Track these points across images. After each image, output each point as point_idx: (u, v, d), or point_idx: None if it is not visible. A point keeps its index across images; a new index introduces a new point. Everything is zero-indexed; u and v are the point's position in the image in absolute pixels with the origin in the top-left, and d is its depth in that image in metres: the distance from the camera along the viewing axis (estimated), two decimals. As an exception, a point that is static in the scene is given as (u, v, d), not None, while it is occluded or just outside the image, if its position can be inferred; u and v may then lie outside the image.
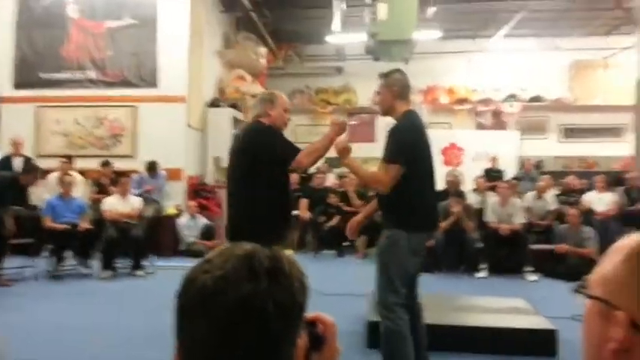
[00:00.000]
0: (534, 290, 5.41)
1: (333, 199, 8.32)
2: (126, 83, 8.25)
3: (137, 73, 8.24)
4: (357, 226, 3.08)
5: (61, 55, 8.34)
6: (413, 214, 2.66)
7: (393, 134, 2.71)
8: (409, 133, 2.71)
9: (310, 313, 0.75)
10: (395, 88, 2.81)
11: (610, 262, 0.64)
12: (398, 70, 2.91)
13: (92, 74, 8.32)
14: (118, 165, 7.68)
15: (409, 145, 2.67)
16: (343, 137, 3.03)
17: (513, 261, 6.43)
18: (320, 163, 11.63)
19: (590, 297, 0.64)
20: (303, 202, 8.45)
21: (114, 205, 6.39)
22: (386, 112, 2.87)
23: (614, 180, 8.77)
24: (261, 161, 2.85)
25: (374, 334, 3.55)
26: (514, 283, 5.96)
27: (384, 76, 2.88)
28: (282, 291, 0.66)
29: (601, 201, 7.45)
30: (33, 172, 5.94)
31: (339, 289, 4.68)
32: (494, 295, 4.72)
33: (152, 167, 7.58)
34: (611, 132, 11.30)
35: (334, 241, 8.03)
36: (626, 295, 0.61)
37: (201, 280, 0.65)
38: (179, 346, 0.67)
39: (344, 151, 2.82)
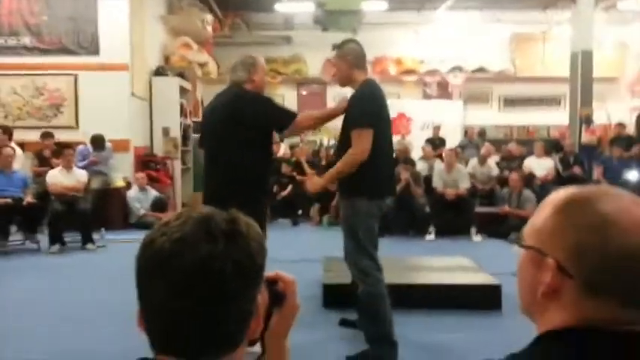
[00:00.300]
0: (479, 250, 5.71)
1: (285, 169, 8.35)
2: (64, 50, 7.84)
3: (76, 39, 7.84)
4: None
5: (-8, 19, 7.81)
6: (373, 181, 2.70)
7: (356, 102, 2.72)
8: (371, 101, 2.73)
9: (270, 272, 0.79)
10: (349, 57, 2.80)
11: (541, 215, 0.72)
12: (352, 40, 2.91)
13: (27, 40, 7.85)
14: (60, 136, 7.36)
15: (371, 113, 2.68)
16: (315, 182, 2.92)
17: (459, 223, 6.74)
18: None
19: (525, 247, 0.73)
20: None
21: (58, 178, 6.16)
22: (344, 83, 2.86)
23: (552, 146, 9.28)
24: (255, 130, 2.80)
25: (329, 296, 3.73)
26: (460, 244, 6.26)
27: (338, 46, 2.86)
28: (240, 252, 0.67)
29: (540, 166, 7.88)
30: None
31: (294, 256, 4.77)
32: (443, 256, 4.96)
33: (98, 142, 7.21)
34: (550, 102, 11.87)
35: (288, 210, 8.10)
36: (554, 243, 0.69)
37: (159, 242, 0.66)
38: (141, 308, 0.68)
39: (316, 186, 2.86)
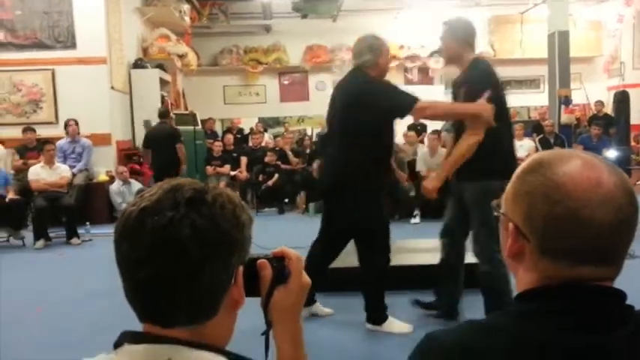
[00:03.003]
0: (463, 232, 5.79)
1: (270, 158, 8.36)
2: (40, 45, 7.70)
3: (51, 33, 7.71)
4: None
5: (-37, 15, 7.64)
6: (502, 160, 2.57)
7: (475, 81, 2.60)
8: (489, 77, 2.62)
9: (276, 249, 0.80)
10: (460, 34, 2.68)
11: (508, 184, 0.77)
12: (462, 18, 2.81)
13: (1, 36, 7.70)
14: (40, 132, 7.27)
15: (496, 91, 2.58)
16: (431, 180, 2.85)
17: (444, 206, 6.80)
18: (254, 123, 11.58)
19: (497, 213, 0.78)
20: (243, 161, 8.45)
21: (40, 174, 6.10)
22: (451, 62, 2.75)
23: (533, 128, 9.41)
24: (376, 115, 2.74)
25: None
26: (445, 227, 6.35)
27: (448, 23, 2.75)
28: (202, 218, 0.67)
29: (521, 147, 7.99)
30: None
31: (281, 244, 4.80)
32: (428, 238, 5.03)
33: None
34: (529, 83, 12.02)
35: (274, 199, 8.13)
36: (514, 209, 0.73)
37: (128, 211, 0.69)
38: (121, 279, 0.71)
39: (434, 183, 2.79)
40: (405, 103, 2.75)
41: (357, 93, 2.80)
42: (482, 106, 2.57)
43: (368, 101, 2.74)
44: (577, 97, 10.11)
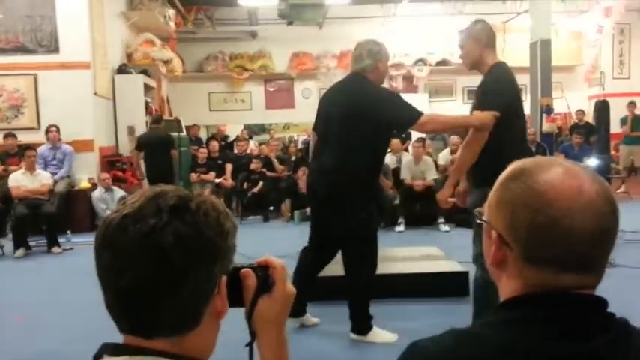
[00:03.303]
0: (447, 239, 5.83)
1: (255, 166, 8.34)
2: (22, 49, 7.60)
3: (34, 37, 7.61)
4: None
5: (-57, 18, 7.51)
6: (502, 170, 2.56)
7: (490, 87, 2.56)
8: (506, 84, 2.58)
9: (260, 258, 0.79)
10: (482, 38, 2.61)
11: (491, 192, 0.77)
12: (481, 20, 2.73)
13: (-19, 40, 7.59)
14: (21, 138, 7.16)
15: (507, 99, 2.55)
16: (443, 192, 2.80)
17: (428, 214, 6.86)
18: (240, 131, 11.55)
19: (480, 221, 0.78)
20: (228, 168, 8.40)
21: (21, 181, 6.00)
22: (473, 67, 2.68)
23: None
24: (376, 125, 2.72)
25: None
26: (429, 234, 6.39)
27: (468, 28, 2.69)
28: (185, 226, 0.66)
29: (503, 155, 8.07)
30: None
31: (266, 252, 4.77)
32: (412, 246, 5.05)
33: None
34: (511, 92, 12.16)
35: (259, 207, 8.09)
36: (497, 217, 0.74)
37: (110, 218, 0.68)
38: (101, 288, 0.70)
39: (445, 195, 2.76)
40: (410, 118, 2.75)
41: (362, 103, 2.78)
42: (482, 115, 2.54)
43: (374, 112, 2.73)
44: (558, 106, 10.26)
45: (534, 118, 9.63)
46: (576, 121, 10.34)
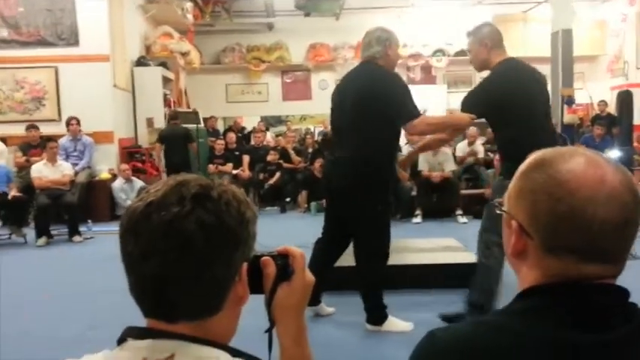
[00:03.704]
0: (465, 231, 5.78)
1: (272, 157, 8.36)
2: (43, 42, 7.72)
3: (54, 31, 7.72)
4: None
5: (-33, 13, 7.65)
6: (518, 161, 2.67)
7: (476, 87, 2.76)
8: (489, 88, 2.70)
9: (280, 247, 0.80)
10: (488, 41, 2.74)
11: (512, 182, 0.77)
12: (487, 24, 2.87)
13: (4, 33, 7.71)
14: (43, 130, 7.28)
15: (493, 95, 2.66)
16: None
17: (445, 206, 6.83)
18: (257, 122, 11.58)
19: (500, 211, 0.78)
20: (245, 160, 8.45)
21: (43, 171, 6.11)
22: (482, 68, 2.82)
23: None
24: (386, 112, 2.76)
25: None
26: (446, 225, 6.36)
27: (473, 32, 2.80)
28: (207, 213, 0.68)
29: (523, 147, 7.99)
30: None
31: (283, 243, 4.80)
32: (429, 237, 5.03)
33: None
34: (531, 83, 11.97)
35: (276, 198, 8.13)
36: (517, 206, 0.73)
37: (134, 206, 0.70)
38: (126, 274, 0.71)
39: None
40: (410, 113, 2.79)
41: (372, 86, 2.79)
42: (462, 116, 2.80)
43: (383, 98, 2.75)
44: (580, 97, 10.08)
45: (555, 109, 9.47)
46: (598, 112, 10.15)
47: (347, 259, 3.29)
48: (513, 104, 2.66)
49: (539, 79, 2.88)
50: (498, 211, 0.78)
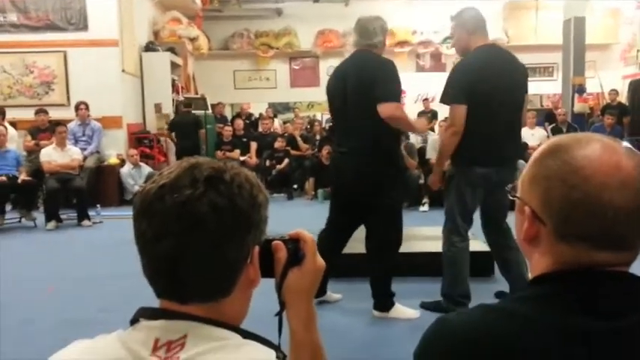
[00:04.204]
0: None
1: (279, 144, 8.36)
2: (52, 27, 7.73)
3: (64, 15, 7.72)
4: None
5: (-24, -4, 7.66)
6: (466, 150, 2.73)
7: (450, 76, 2.73)
8: (464, 74, 2.69)
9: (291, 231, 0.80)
10: (469, 25, 2.74)
11: (525, 168, 0.76)
12: (471, 8, 2.83)
13: (14, 18, 7.72)
14: (52, 114, 7.31)
15: (461, 87, 2.66)
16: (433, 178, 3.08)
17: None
18: (264, 109, 11.55)
19: (513, 197, 0.77)
20: (253, 146, 8.46)
21: (52, 156, 6.15)
22: (463, 52, 2.81)
23: (545, 116, 9.30)
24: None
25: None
26: (454, 215, 6.32)
27: (457, 15, 2.79)
28: (219, 196, 0.68)
29: (533, 136, 7.93)
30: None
31: (290, 229, 4.82)
32: (436, 226, 5.02)
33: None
34: (542, 71, 11.85)
35: (283, 185, 8.14)
36: (531, 192, 0.73)
37: (147, 188, 0.71)
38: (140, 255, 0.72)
39: (435, 180, 3.06)
40: (395, 96, 2.81)
41: (374, 74, 2.79)
42: (421, 124, 3.14)
43: (380, 76, 2.76)
44: (591, 86, 9.97)
45: (566, 97, 9.39)
46: (609, 101, 10.04)
47: (355, 246, 3.30)
48: (473, 93, 2.68)
49: (519, 68, 2.85)
50: (511, 197, 0.78)
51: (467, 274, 2.96)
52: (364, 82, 2.78)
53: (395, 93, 2.81)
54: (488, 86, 2.70)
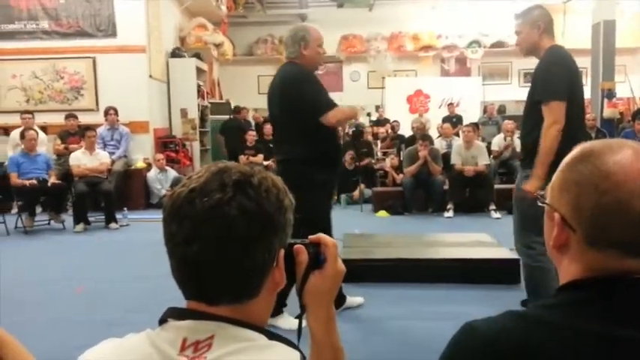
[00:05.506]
0: (498, 226, 5.68)
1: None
2: (82, 33, 7.91)
3: (93, 22, 7.91)
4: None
5: (10, 4, 7.90)
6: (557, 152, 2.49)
7: (542, 74, 2.56)
8: (561, 69, 2.54)
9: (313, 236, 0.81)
10: (541, 24, 2.60)
11: (555, 174, 0.75)
12: (539, 6, 2.73)
13: (45, 24, 7.94)
14: (81, 119, 7.49)
15: (566, 79, 2.52)
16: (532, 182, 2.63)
17: (478, 200, 6.72)
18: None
19: (542, 203, 0.76)
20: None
21: (81, 159, 6.29)
22: (530, 52, 2.68)
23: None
24: (295, 110, 2.74)
25: (348, 270, 3.77)
26: (479, 220, 6.25)
27: (525, 13, 2.68)
28: (248, 200, 0.70)
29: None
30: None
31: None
32: (462, 232, 4.97)
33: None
34: (570, 75, 11.64)
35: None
36: (560, 199, 0.72)
37: (177, 192, 0.72)
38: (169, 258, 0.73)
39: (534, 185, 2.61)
40: (322, 106, 2.76)
41: (283, 87, 2.79)
42: (334, 112, 2.75)
43: (294, 94, 2.73)
44: (621, 91, 9.74)
45: (595, 102, 9.20)
46: (640, 106, 9.79)
47: (355, 252, 3.27)
48: (573, 93, 2.55)
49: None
50: (540, 204, 0.77)
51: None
52: (280, 97, 2.80)
53: (324, 102, 2.77)
54: (579, 85, 2.63)
